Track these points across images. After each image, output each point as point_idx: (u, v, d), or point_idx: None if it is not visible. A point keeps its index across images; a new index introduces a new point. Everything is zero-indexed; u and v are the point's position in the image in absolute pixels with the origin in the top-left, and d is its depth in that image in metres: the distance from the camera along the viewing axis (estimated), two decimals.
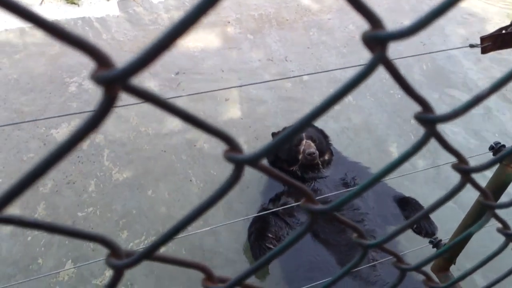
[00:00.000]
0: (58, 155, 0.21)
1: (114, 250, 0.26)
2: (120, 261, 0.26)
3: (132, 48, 4.19)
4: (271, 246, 2.48)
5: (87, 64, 3.91)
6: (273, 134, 3.15)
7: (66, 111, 3.48)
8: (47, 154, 0.22)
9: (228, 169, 2.54)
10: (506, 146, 1.31)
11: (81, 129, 0.21)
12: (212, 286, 0.34)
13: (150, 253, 0.27)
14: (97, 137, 3.34)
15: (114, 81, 0.20)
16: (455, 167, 0.37)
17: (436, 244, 1.62)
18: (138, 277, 2.62)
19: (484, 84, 4.26)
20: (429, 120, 0.31)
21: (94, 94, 3.62)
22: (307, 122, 0.26)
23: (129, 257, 0.27)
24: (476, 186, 0.40)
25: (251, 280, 2.63)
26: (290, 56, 4.38)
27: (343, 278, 0.42)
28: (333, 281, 0.43)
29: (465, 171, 0.37)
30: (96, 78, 0.20)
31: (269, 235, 2.50)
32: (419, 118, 0.32)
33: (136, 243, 2.81)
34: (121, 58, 4.03)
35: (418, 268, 0.45)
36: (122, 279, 0.30)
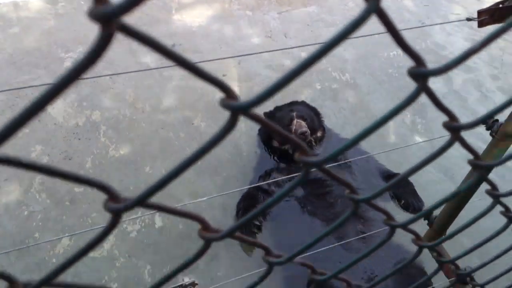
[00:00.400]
0: (59, 88, 0.22)
1: (111, 195, 0.27)
2: (118, 205, 0.27)
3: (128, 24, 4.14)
4: (257, 223, 2.52)
5: (83, 39, 3.88)
6: (265, 114, 3.15)
7: None
8: (50, 86, 0.22)
9: (225, 146, 2.56)
10: (499, 121, 1.33)
11: (81, 63, 0.22)
12: (208, 235, 0.35)
13: (146, 197, 0.28)
14: (93, 113, 3.34)
15: (110, 17, 0.20)
16: (446, 125, 0.38)
17: (427, 217, 1.65)
18: (136, 251, 2.66)
19: (479, 62, 4.25)
20: (421, 74, 0.32)
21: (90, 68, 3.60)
22: (306, 66, 0.27)
23: (126, 202, 0.28)
24: (465, 145, 0.41)
25: (242, 255, 2.67)
26: (289, 33, 4.35)
27: (332, 232, 0.43)
28: (324, 235, 0.45)
29: (454, 129, 0.37)
30: (93, 14, 0.20)
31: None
32: (412, 73, 0.32)
33: (133, 219, 2.83)
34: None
35: (406, 225, 0.46)
36: (118, 224, 0.31)
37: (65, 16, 4.18)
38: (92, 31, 3.76)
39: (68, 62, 3.69)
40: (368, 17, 0.27)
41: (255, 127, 3.32)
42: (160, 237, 2.75)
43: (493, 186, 0.52)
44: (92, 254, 2.64)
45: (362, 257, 0.49)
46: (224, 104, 0.27)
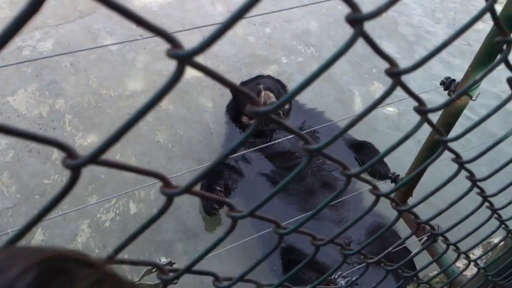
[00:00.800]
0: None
1: (69, 152, 0.28)
2: (75, 160, 0.28)
3: (87, 7, 4.02)
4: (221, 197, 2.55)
5: (40, 25, 3.75)
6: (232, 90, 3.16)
7: (22, 76, 3.35)
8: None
9: (195, 128, 2.54)
10: (456, 80, 1.38)
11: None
12: (169, 190, 0.36)
13: (100, 153, 0.29)
14: (56, 102, 3.26)
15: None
16: (387, 71, 0.41)
17: (394, 179, 1.71)
18: (111, 241, 2.65)
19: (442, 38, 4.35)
20: (356, 19, 0.34)
21: (49, 55, 3.50)
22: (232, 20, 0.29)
23: (82, 158, 0.29)
24: (407, 90, 0.44)
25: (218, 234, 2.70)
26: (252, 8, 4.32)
27: (288, 184, 0.45)
28: (277, 191, 0.47)
29: (394, 74, 0.40)
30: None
31: (217, 187, 2.56)
32: (349, 19, 0.34)
33: (106, 208, 2.81)
34: (75, 17, 3.88)
35: (359, 174, 0.49)
36: (78, 180, 0.32)
37: (20, 4, 4.01)
38: (51, 18, 3.63)
39: (26, 51, 3.57)
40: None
41: (222, 105, 3.32)
42: (136, 224, 2.75)
43: (457, 155, 0.56)
44: (67, 247, 2.62)
45: (323, 206, 0.52)
46: (170, 53, 0.28)
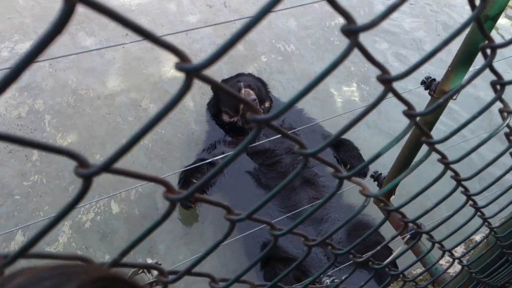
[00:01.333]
0: (25, 65, 0.23)
1: (81, 161, 0.29)
2: (88, 170, 0.29)
3: None
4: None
5: (18, 27, 3.67)
6: (212, 87, 3.15)
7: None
8: None
9: (176, 127, 2.54)
10: (436, 80, 1.42)
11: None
12: (172, 196, 0.37)
13: (111, 163, 0.30)
14: (35, 103, 3.20)
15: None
16: (379, 78, 0.43)
17: (377, 177, 1.74)
18: (93, 242, 2.63)
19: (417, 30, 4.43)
20: (352, 30, 0.36)
21: None
22: (243, 33, 0.30)
23: (94, 167, 0.30)
24: (397, 96, 0.46)
25: (200, 237, 2.71)
26: (232, 6, 4.32)
27: (283, 189, 0.47)
28: (273, 195, 0.48)
29: (386, 80, 0.42)
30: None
31: (194, 181, 2.58)
32: (344, 30, 0.36)
33: (87, 208, 2.79)
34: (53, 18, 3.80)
35: (350, 176, 0.51)
36: (90, 188, 0.33)
37: None
38: (29, 18, 3.55)
39: (5, 52, 3.49)
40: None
41: (203, 104, 3.32)
42: (117, 224, 2.73)
43: (443, 156, 0.59)
44: (48, 248, 2.58)
45: (315, 209, 0.54)
46: (179, 67, 0.29)
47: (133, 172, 0.34)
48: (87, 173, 0.29)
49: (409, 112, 0.47)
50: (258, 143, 2.75)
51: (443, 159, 0.61)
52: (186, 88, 0.30)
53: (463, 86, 0.49)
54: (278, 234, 0.54)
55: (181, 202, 2.42)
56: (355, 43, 0.37)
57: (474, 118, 0.56)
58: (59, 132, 3.09)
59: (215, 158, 2.55)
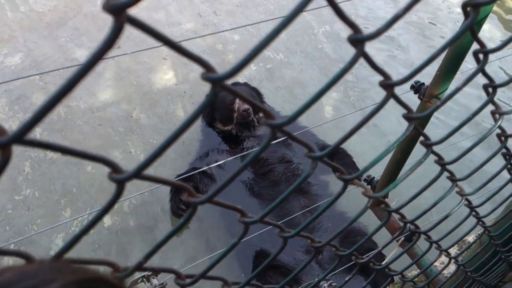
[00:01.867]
0: (79, 77, 0.25)
1: (114, 167, 0.31)
2: (121, 175, 0.31)
3: (54, 19, 3.95)
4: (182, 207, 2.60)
5: (7, 38, 3.66)
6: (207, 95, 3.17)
7: None
8: (74, 71, 0.25)
9: (166, 137, 2.56)
10: (425, 84, 1.46)
11: (98, 51, 0.26)
12: (193, 199, 0.39)
13: (143, 169, 0.32)
14: (26, 116, 3.18)
15: (121, 9, 0.24)
16: (381, 83, 0.45)
17: (370, 181, 1.77)
18: (86, 253, 2.62)
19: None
20: (359, 39, 0.38)
21: (18, 70, 3.43)
22: (262, 47, 0.32)
23: (127, 173, 0.32)
24: (398, 101, 0.49)
25: (194, 246, 2.72)
26: (220, 16, 4.35)
27: (289, 195, 0.49)
28: (283, 197, 0.51)
29: (389, 85, 0.44)
30: (106, 7, 0.24)
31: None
32: (351, 39, 0.38)
33: (80, 220, 2.77)
34: (42, 30, 3.81)
35: (355, 178, 0.53)
36: (123, 192, 0.35)
37: None
38: (18, 31, 3.54)
39: None
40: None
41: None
42: (111, 237, 2.72)
43: (440, 157, 0.61)
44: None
45: (325, 208, 0.56)
46: (204, 77, 0.31)
47: (160, 178, 0.36)
48: (120, 178, 0.31)
49: (409, 115, 0.50)
50: (250, 151, 2.77)
51: (440, 160, 0.63)
52: (212, 96, 0.32)
53: (458, 89, 0.52)
54: (287, 236, 0.57)
55: (172, 211, 2.42)
56: (361, 52, 0.39)
57: (469, 120, 0.59)
58: None
59: (208, 166, 2.56)
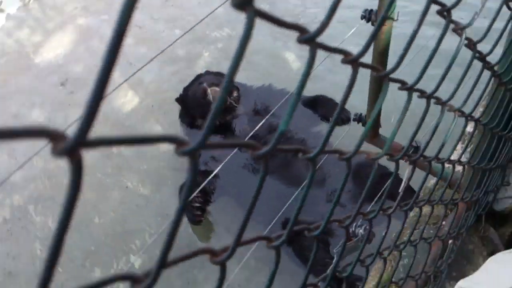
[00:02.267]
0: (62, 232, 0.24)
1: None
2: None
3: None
4: (197, 205, 2.49)
5: None
6: (178, 100, 3.09)
7: None
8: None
9: (153, 158, 2.48)
10: (373, 10, 1.42)
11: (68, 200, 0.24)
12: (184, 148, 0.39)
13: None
14: (14, 199, 3.12)
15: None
16: (344, 60, 0.44)
17: (359, 118, 1.74)
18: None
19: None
20: (308, 38, 0.37)
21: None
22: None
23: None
24: (366, 66, 0.47)
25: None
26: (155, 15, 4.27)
27: (310, 188, 0.48)
28: (303, 198, 0.50)
29: (352, 61, 0.43)
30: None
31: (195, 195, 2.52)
32: (301, 40, 0.37)
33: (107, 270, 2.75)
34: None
35: (354, 153, 0.52)
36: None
37: None
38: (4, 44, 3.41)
39: None
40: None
41: (170, 121, 3.27)
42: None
43: (402, 83, 0.60)
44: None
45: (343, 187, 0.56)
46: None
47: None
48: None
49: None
50: (237, 132, 2.72)
51: (403, 85, 0.61)
52: (193, 167, 0.31)
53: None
54: (317, 233, 0.56)
55: (189, 219, 2.34)
56: (315, 49, 0.38)
57: (435, 51, 0.57)
58: (48, 217, 3.03)
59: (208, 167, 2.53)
